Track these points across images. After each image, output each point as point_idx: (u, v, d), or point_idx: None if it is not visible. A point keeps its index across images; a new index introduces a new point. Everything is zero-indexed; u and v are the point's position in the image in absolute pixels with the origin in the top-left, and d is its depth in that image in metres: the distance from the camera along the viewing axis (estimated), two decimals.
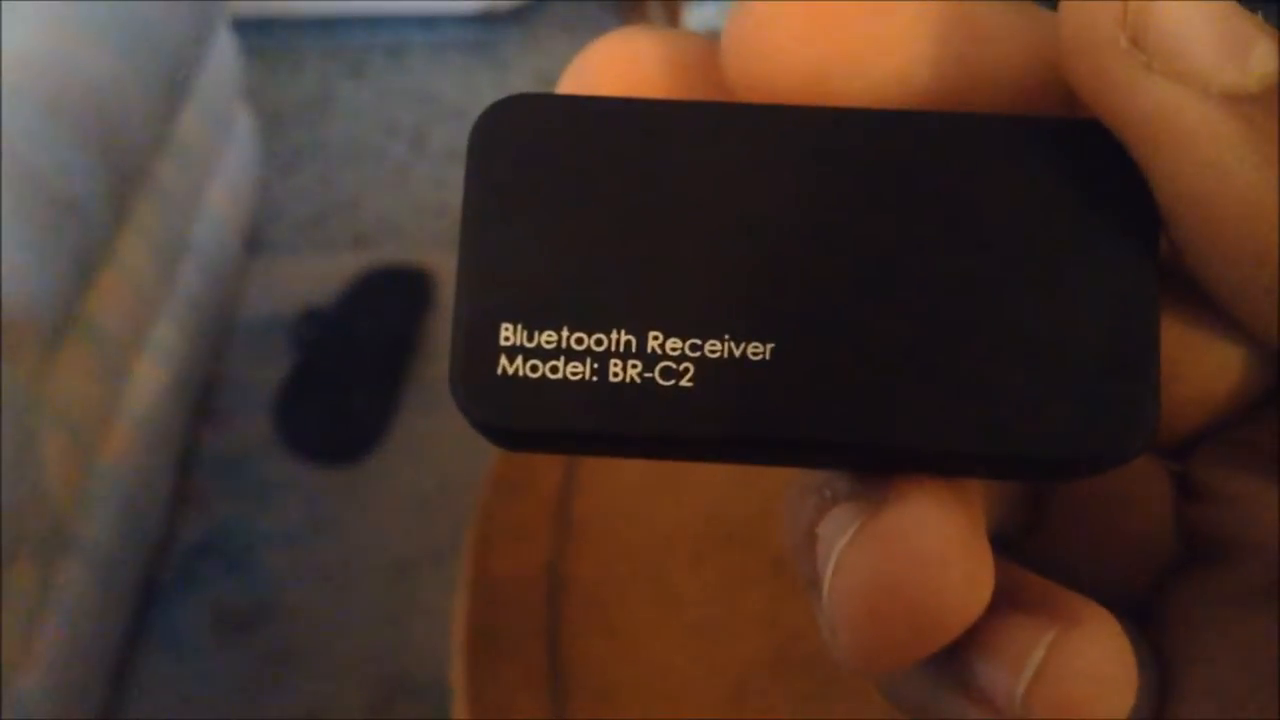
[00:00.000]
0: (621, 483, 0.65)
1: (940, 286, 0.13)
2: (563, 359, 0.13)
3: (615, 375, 0.13)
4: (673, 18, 1.98)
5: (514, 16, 2.07)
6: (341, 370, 1.34)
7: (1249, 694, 0.15)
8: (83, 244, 0.85)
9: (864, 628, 0.12)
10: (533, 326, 0.13)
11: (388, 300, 1.44)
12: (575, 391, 0.13)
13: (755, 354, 0.13)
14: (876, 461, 0.13)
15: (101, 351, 0.93)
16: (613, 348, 0.13)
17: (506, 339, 0.13)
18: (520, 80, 1.96)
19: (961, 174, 0.13)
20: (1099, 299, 0.13)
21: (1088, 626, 0.13)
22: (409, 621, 1.11)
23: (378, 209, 1.66)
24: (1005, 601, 0.13)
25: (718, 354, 0.13)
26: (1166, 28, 0.12)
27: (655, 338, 0.13)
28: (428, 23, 2.05)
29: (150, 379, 1.04)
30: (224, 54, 1.30)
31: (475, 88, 1.93)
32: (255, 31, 1.78)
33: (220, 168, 1.29)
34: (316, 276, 1.49)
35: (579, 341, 0.13)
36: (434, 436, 1.30)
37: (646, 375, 0.13)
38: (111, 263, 0.94)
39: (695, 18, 1.97)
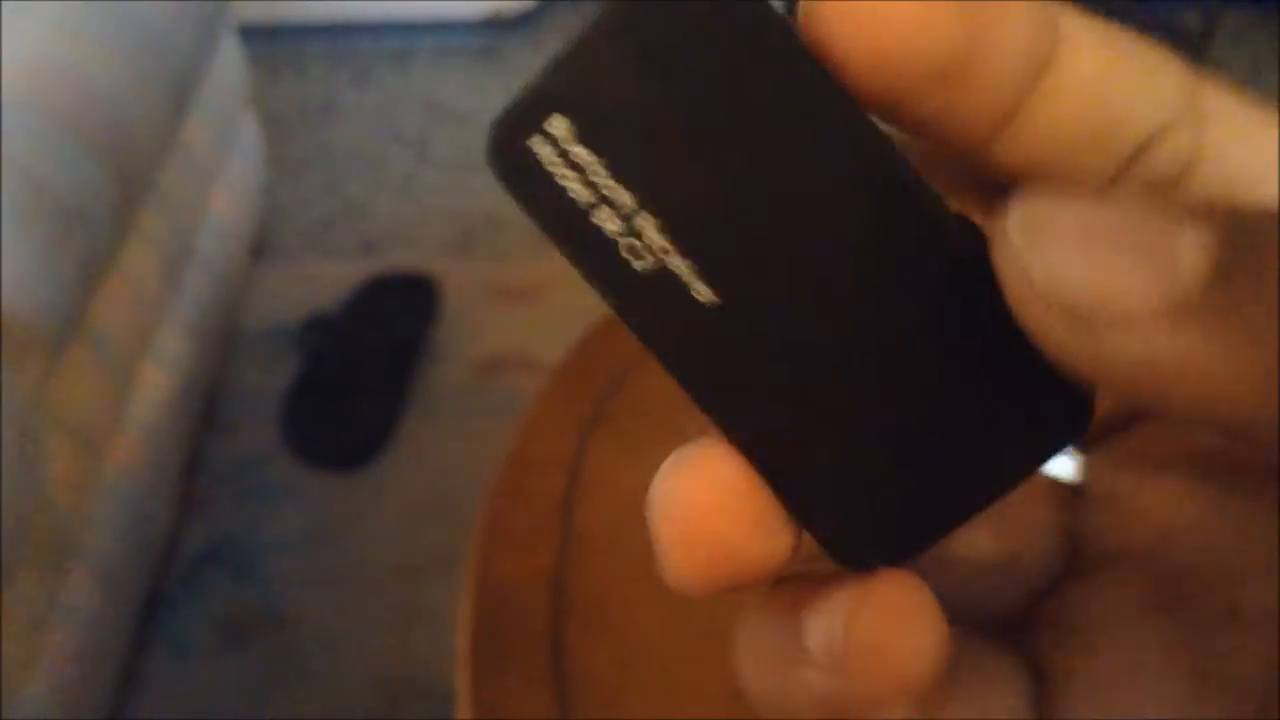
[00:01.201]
0: (624, 488, 0.65)
1: (884, 339, 0.14)
2: (574, 175, 0.14)
3: (597, 218, 0.14)
4: None
5: (520, 22, 2.07)
6: (347, 377, 1.35)
7: (1131, 705, 0.15)
8: (88, 251, 0.85)
9: (670, 542, 0.14)
10: (576, 135, 0.14)
11: (393, 307, 1.44)
12: (563, 203, 0.14)
13: (699, 294, 0.14)
14: None
15: (107, 358, 0.93)
16: (613, 199, 0.14)
17: (552, 127, 0.14)
18: None
19: (948, 250, 0.14)
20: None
21: (886, 578, 0.14)
22: (414, 627, 1.11)
23: (383, 215, 1.66)
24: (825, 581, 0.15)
25: (675, 270, 0.14)
26: (1084, 290, 0.12)
27: (645, 218, 0.14)
28: (433, 29, 2.05)
29: (155, 386, 1.04)
30: (230, 60, 1.30)
31: (480, 94, 1.94)
32: (261, 38, 1.78)
33: (225, 175, 1.29)
34: (322, 283, 1.50)
35: (595, 174, 0.14)
36: (439, 443, 1.30)
37: (617, 236, 0.14)
38: (117, 270, 0.94)
39: None
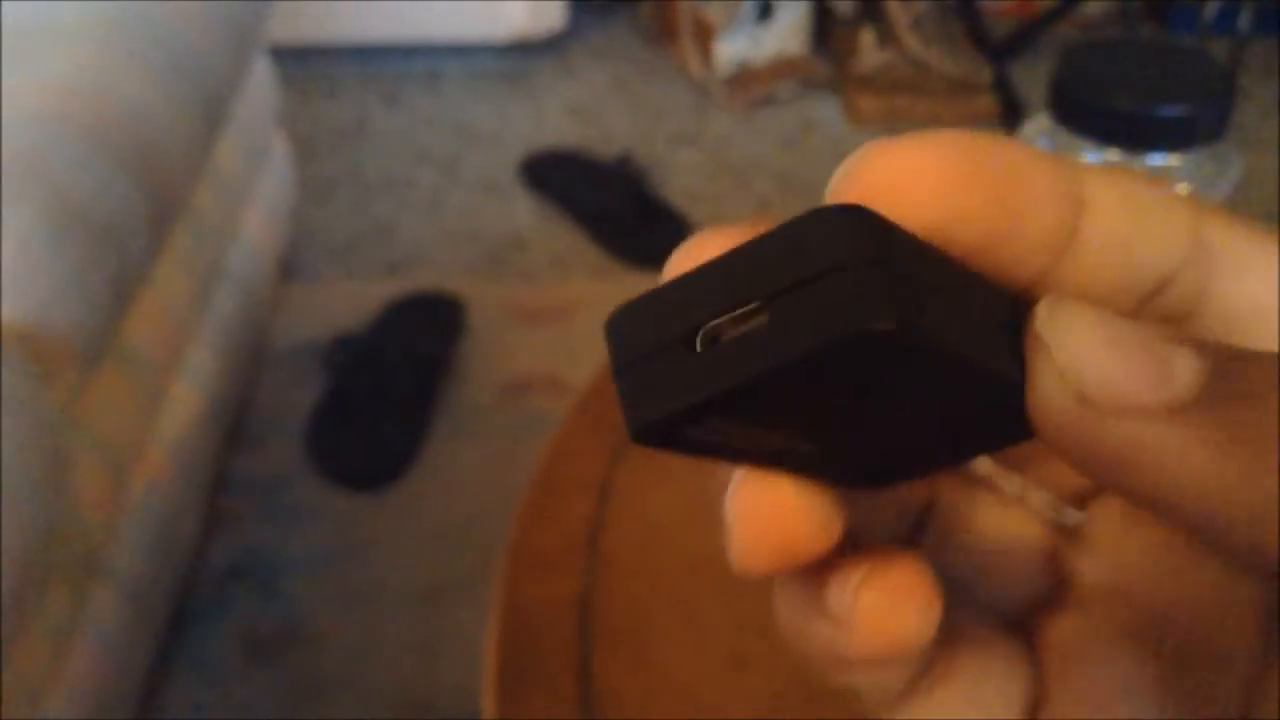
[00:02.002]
0: (651, 514, 0.65)
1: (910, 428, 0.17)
2: (722, 439, 0.16)
3: (738, 443, 0.16)
4: (703, 50, 2.00)
5: (547, 45, 2.08)
6: (373, 396, 1.35)
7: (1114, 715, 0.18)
8: (120, 269, 0.86)
9: (743, 539, 0.16)
10: (730, 419, 0.15)
11: (419, 326, 1.44)
12: (711, 449, 0.16)
13: (802, 448, 0.16)
14: None
15: (137, 376, 0.94)
16: (756, 439, 0.16)
17: (708, 423, 0.15)
18: (553, 109, 1.98)
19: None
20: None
21: (896, 558, 0.17)
22: (437, 647, 1.11)
23: (410, 236, 1.67)
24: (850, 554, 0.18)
25: (791, 444, 0.16)
26: (1097, 380, 0.14)
27: (779, 438, 0.16)
28: (462, 52, 2.07)
29: (184, 404, 1.05)
30: (261, 82, 1.32)
31: (508, 116, 1.95)
32: (292, 59, 1.80)
33: (256, 195, 1.30)
34: (349, 303, 1.51)
35: (741, 437, 0.16)
36: (463, 463, 1.30)
37: (753, 448, 0.16)
38: (148, 288, 0.95)
39: (724, 50, 1.98)
